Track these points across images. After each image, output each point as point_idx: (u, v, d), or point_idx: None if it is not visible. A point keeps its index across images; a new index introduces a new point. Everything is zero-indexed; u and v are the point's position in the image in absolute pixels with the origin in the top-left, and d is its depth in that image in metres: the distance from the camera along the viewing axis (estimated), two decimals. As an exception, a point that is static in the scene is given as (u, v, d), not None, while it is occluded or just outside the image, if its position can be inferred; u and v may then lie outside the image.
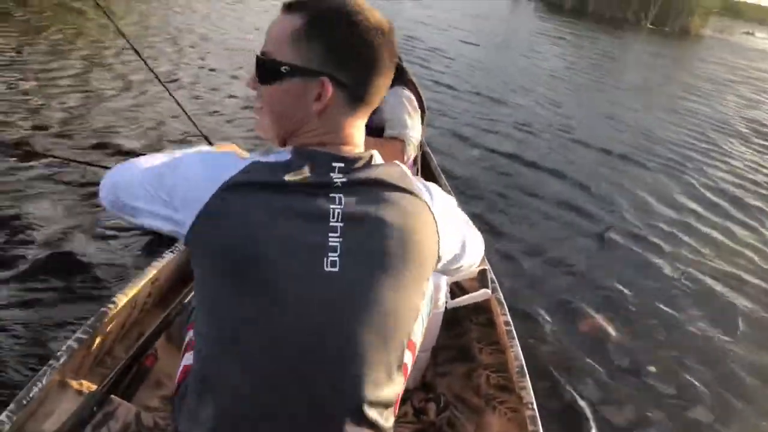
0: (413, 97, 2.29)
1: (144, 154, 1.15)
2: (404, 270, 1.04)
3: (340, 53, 1.01)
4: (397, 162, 1.10)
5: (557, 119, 7.19)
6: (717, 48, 24.88)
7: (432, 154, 3.32)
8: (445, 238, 1.10)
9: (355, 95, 1.04)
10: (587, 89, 10.09)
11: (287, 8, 1.05)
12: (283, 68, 1.04)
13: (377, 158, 1.07)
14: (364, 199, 1.02)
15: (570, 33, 18.17)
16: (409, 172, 1.09)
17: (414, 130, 2.20)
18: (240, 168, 0.99)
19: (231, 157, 1.04)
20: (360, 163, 1.04)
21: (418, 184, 1.09)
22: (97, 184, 1.12)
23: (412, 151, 2.20)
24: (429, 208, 1.08)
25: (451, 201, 1.20)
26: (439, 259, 1.11)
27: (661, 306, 3.31)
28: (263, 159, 1.02)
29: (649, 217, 4.58)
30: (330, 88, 1.01)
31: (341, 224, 0.99)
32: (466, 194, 4.14)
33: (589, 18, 25.35)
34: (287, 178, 0.98)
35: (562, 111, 7.71)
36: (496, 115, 6.71)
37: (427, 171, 3.15)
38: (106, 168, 1.15)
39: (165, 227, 1.07)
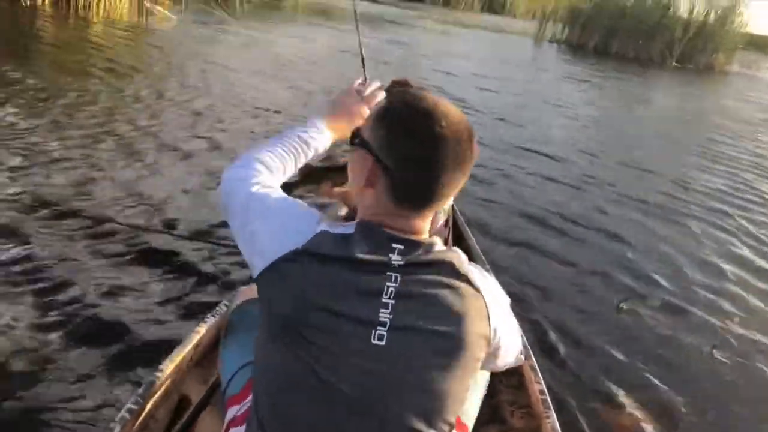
0: None
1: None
2: (454, 353, 1.06)
3: (395, 146, 1.07)
4: (455, 249, 1.14)
5: (586, 168, 7.18)
6: (744, 84, 24.80)
7: (460, 214, 3.36)
8: (495, 328, 1.13)
9: (405, 191, 1.08)
10: (617, 135, 10.12)
11: (387, 89, 1.17)
12: (356, 139, 1.15)
13: (438, 245, 1.11)
14: (419, 281, 1.05)
15: (596, 75, 18.25)
16: (465, 259, 1.14)
17: None
18: (310, 236, 1.07)
19: (309, 220, 1.12)
20: (419, 248, 1.08)
21: (475, 273, 1.13)
22: (143, 248, 1.22)
23: (442, 216, 2.24)
24: (483, 297, 1.12)
25: (503, 296, 1.24)
26: (488, 346, 1.14)
27: (708, 390, 3.15)
28: (332, 230, 1.09)
29: (689, 283, 4.39)
30: (378, 173, 1.08)
31: (393, 301, 1.04)
32: (494, 253, 4.10)
33: (614, 58, 25.42)
34: (347, 254, 1.04)
35: (591, 159, 7.71)
36: (523, 168, 6.66)
37: (456, 231, 3.18)
38: (157, 231, 1.26)
39: (243, 254, 1.18)
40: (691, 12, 28.13)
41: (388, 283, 1.03)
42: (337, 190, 2.40)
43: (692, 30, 27.57)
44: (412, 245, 1.07)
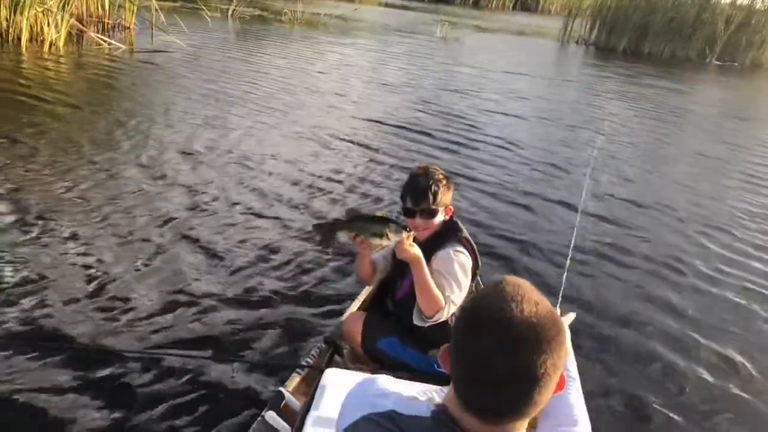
0: (467, 261, 2.45)
1: None
2: None
3: (457, 345, 1.04)
4: None
5: (625, 191, 6.70)
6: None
7: None
8: None
9: (468, 402, 1.04)
10: (660, 154, 9.10)
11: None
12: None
13: None
14: None
15: (630, 82, 16.61)
16: None
17: (458, 297, 2.36)
18: (376, 405, 1.13)
19: (376, 392, 1.18)
20: None
21: None
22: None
23: (447, 313, 2.34)
24: None
25: None
26: None
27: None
28: (404, 412, 1.11)
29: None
30: (448, 365, 1.07)
31: None
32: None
33: (648, 60, 23.38)
34: None
35: (630, 184, 7.08)
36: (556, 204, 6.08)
37: None
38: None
39: None
40: (733, 2, 25.67)
41: None
42: (360, 240, 2.36)
43: (735, 23, 25.14)
44: None
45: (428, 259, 2.38)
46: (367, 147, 7.16)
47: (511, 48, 22.37)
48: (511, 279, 1.05)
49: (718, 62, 24.80)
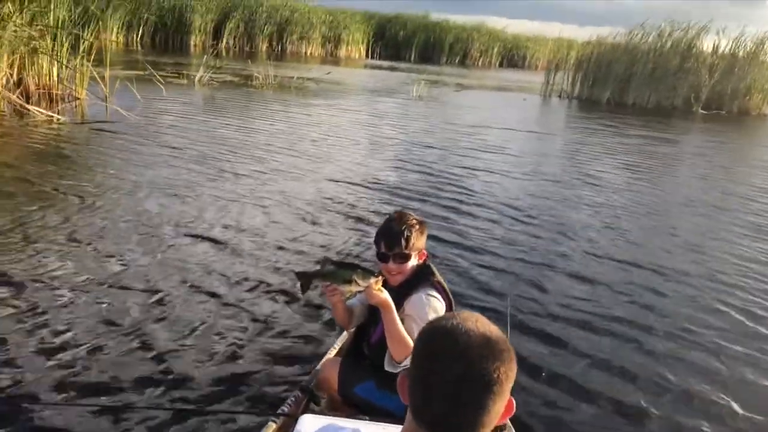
0: (440, 305, 2.46)
1: None
2: None
3: (414, 363, 1.11)
4: None
5: (620, 254, 6.25)
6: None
7: None
8: None
9: (422, 416, 1.08)
10: (654, 210, 8.53)
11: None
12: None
13: None
14: None
15: (615, 133, 16.05)
16: None
17: None
18: None
19: None
20: None
21: None
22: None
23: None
24: None
25: None
26: None
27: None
28: None
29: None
30: (405, 392, 1.14)
31: None
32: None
33: (632, 110, 22.94)
34: None
35: (625, 246, 6.61)
36: (545, 267, 5.66)
37: None
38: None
39: None
40: (715, 51, 25.40)
41: None
42: (329, 288, 2.40)
43: (719, 71, 24.81)
44: None
45: (401, 303, 2.45)
46: (335, 202, 7.08)
47: (490, 104, 21.93)
48: (467, 311, 1.15)
49: (704, 111, 24.31)
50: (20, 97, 11.36)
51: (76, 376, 3.22)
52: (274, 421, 2.42)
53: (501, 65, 51.26)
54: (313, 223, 6.23)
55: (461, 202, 7.59)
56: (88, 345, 3.52)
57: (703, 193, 10.05)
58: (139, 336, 3.67)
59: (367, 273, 2.31)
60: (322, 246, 5.59)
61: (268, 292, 4.49)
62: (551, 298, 4.94)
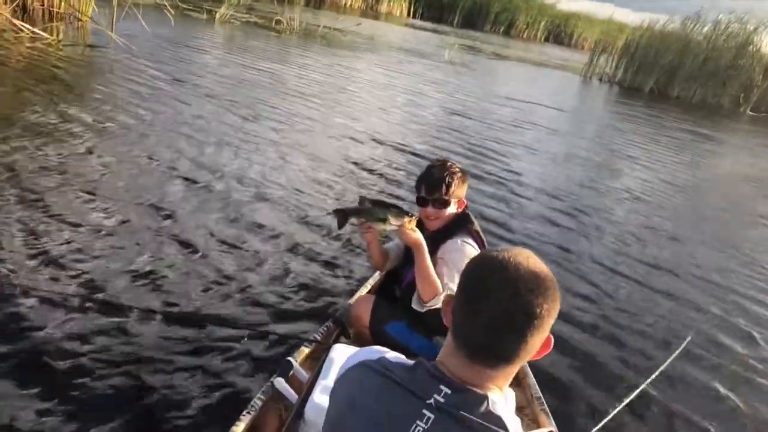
0: (474, 253, 2.41)
1: None
2: None
3: (463, 286, 1.13)
4: (507, 419, 1.08)
5: (657, 256, 5.67)
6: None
7: None
8: None
9: (465, 338, 1.10)
10: (699, 213, 7.90)
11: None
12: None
13: (493, 405, 1.08)
14: None
15: (659, 127, 14.89)
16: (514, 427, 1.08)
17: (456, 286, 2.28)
18: (372, 357, 1.22)
19: (374, 352, 1.26)
20: (466, 400, 1.08)
21: None
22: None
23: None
24: None
25: None
26: None
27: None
28: (392, 359, 1.21)
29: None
30: (449, 314, 1.16)
31: None
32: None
33: (676, 104, 21.57)
34: (394, 376, 1.14)
35: (667, 248, 6.03)
36: (578, 259, 5.18)
37: None
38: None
39: None
40: (774, 50, 23.73)
41: (418, 422, 1.07)
42: (364, 225, 2.45)
43: (776, 72, 23.19)
44: (460, 393, 1.08)
45: (437, 248, 2.48)
46: (343, 158, 6.67)
47: (523, 77, 20.75)
48: (520, 247, 1.14)
49: (752, 113, 22.81)
50: (16, 10, 10.66)
51: (134, 282, 3.37)
52: (307, 346, 2.56)
53: (546, 40, 49.52)
54: (314, 179, 5.77)
55: (478, 177, 6.95)
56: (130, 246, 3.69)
57: (742, 197, 9.32)
58: (192, 252, 3.83)
59: (402, 212, 2.32)
60: (335, 197, 5.39)
61: (309, 223, 4.65)
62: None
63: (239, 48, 13.31)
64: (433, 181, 2.49)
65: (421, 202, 2.54)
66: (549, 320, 1.08)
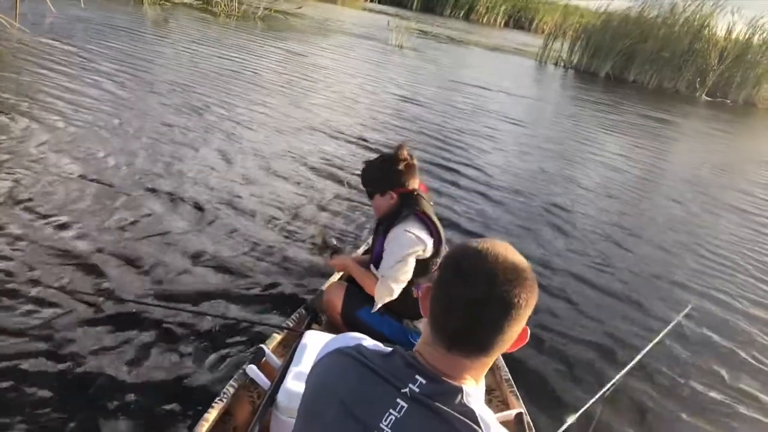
0: (416, 241, 2.51)
1: None
2: None
3: (441, 276, 1.11)
4: (482, 412, 1.07)
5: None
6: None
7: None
8: None
9: (442, 328, 1.09)
10: (661, 200, 7.72)
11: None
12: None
13: (467, 398, 1.07)
14: (417, 426, 1.05)
15: (613, 111, 14.52)
16: (494, 426, 1.07)
17: (395, 271, 2.52)
18: (348, 344, 1.21)
19: (350, 339, 1.26)
20: (441, 391, 1.07)
21: None
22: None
23: (387, 289, 2.53)
24: None
25: None
26: None
27: None
28: (369, 346, 1.19)
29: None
30: (426, 304, 1.14)
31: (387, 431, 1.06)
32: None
33: (632, 88, 21.24)
34: (370, 364, 1.13)
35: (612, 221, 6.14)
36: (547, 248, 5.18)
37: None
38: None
39: None
40: (728, 35, 23.42)
41: (391, 410, 1.07)
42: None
43: (731, 57, 22.90)
44: (435, 384, 1.08)
45: (386, 235, 2.59)
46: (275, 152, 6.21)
47: (477, 63, 20.04)
48: (497, 239, 1.14)
49: (708, 97, 22.54)
50: None
51: (103, 272, 3.38)
52: (279, 333, 2.60)
53: (506, 25, 48.83)
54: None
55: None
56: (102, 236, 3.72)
57: (696, 180, 9.10)
58: (163, 238, 3.87)
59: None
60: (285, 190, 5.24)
61: (283, 209, 4.72)
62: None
63: (160, 33, 12.27)
64: (363, 174, 2.69)
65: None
66: (527, 311, 1.08)
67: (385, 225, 2.58)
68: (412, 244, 2.48)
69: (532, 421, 2.28)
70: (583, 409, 2.45)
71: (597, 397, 2.53)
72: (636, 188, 7.83)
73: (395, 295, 2.54)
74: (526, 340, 1.13)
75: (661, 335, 3.09)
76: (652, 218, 6.74)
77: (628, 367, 2.82)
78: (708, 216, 7.25)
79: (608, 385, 2.64)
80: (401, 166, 2.60)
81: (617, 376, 2.72)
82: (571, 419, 2.39)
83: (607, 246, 5.52)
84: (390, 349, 1.16)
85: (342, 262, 2.78)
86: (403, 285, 2.54)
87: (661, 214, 6.94)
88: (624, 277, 4.88)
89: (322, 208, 4.89)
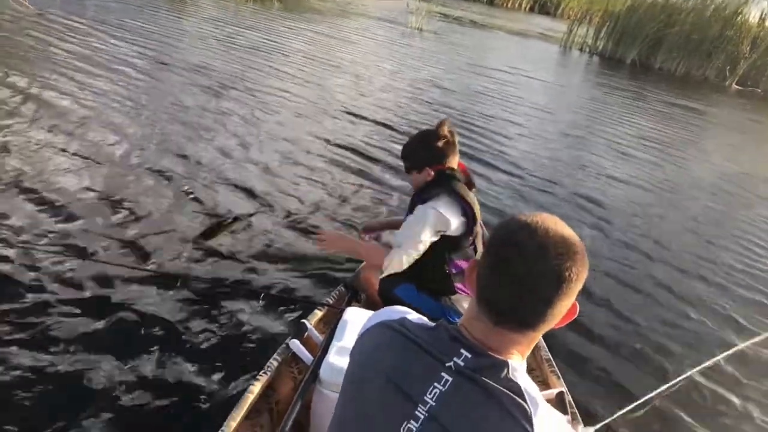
0: (440, 216, 2.47)
1: None
2: None
3: (490, 249, 1.09)
4: (528, 387, 1.05)
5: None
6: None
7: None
8: None
9: (489, 302, 1.08)
10: (668, 180, 7.48)
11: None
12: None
13: (513, 372, 1.06)
14: (462, 400, 1.04)
15: (639, 98, 14.03)
16: (540, 402, 1.05)
17: (408, 244, 2.50)
18: (392, 317, 1.21)
19: (394, 313, 1.25)
20: (486, 365, 1.06)
21: (538, 419, 1.02)
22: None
23: (396, 263, 2.51)
24: None
25: None
26: None
27: None
28: (414, 320, 1.19)
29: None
30: (473, 279, 1.12)
31: (434, 403, 1.05)
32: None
33: (659, 75, 20.61)
34: (415, 337, 1.12)
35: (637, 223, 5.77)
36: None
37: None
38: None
39: None
40: (762, 22, 22.62)
41: (435, 384, 1.06)
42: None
43: (764, 45, 22.13)
44: (480, 357, 1.07)
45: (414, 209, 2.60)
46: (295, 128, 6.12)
47: (499, 48, 19.56)
48: (547, 213, 1.12)
49: (738, 86, 21.84)
50: None
51: (147, 246, 3.55)
52: (320, 310, 2.63)
53: (531, 10, 48.01)
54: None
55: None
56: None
57: (733, 173, 8.75)
58: (209, 216, 4.05)
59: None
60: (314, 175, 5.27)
61: (321, 191, 4.85)
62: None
63: (181, 10, 12.10)
64: (403, 149, 2.67)
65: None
66: (577, 285, 1.05)
67: (416, 201, 2.57)
68: (430, 221, 2.46)
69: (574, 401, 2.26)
70: (633, 404, 2.47)
71: (660, 390, 2.54)
72: (668, 180, 7.56)
73: (404, 266, 2.53)
74: (575, 315, 1.12)
75: (734, 349, 3.05)
76: (692, 216, 6.45)
77: (695, 369, 2.79)
78: (749, 212, 6.90)
79: (665, 386, 2.64)
80: (441, 143, 2.56)
81: (680, 378, 2.72)
82: (622, 411, 2.43)
83: (650, 242, 5.37)
84: (434, 323, 1.16)
85: (334, 243, 2.75)
86: (414, 257, 2.52)
87: (699, 212, 6.67)
88: (671, 279, 4.75)
89: (356, 193, 4.97)
